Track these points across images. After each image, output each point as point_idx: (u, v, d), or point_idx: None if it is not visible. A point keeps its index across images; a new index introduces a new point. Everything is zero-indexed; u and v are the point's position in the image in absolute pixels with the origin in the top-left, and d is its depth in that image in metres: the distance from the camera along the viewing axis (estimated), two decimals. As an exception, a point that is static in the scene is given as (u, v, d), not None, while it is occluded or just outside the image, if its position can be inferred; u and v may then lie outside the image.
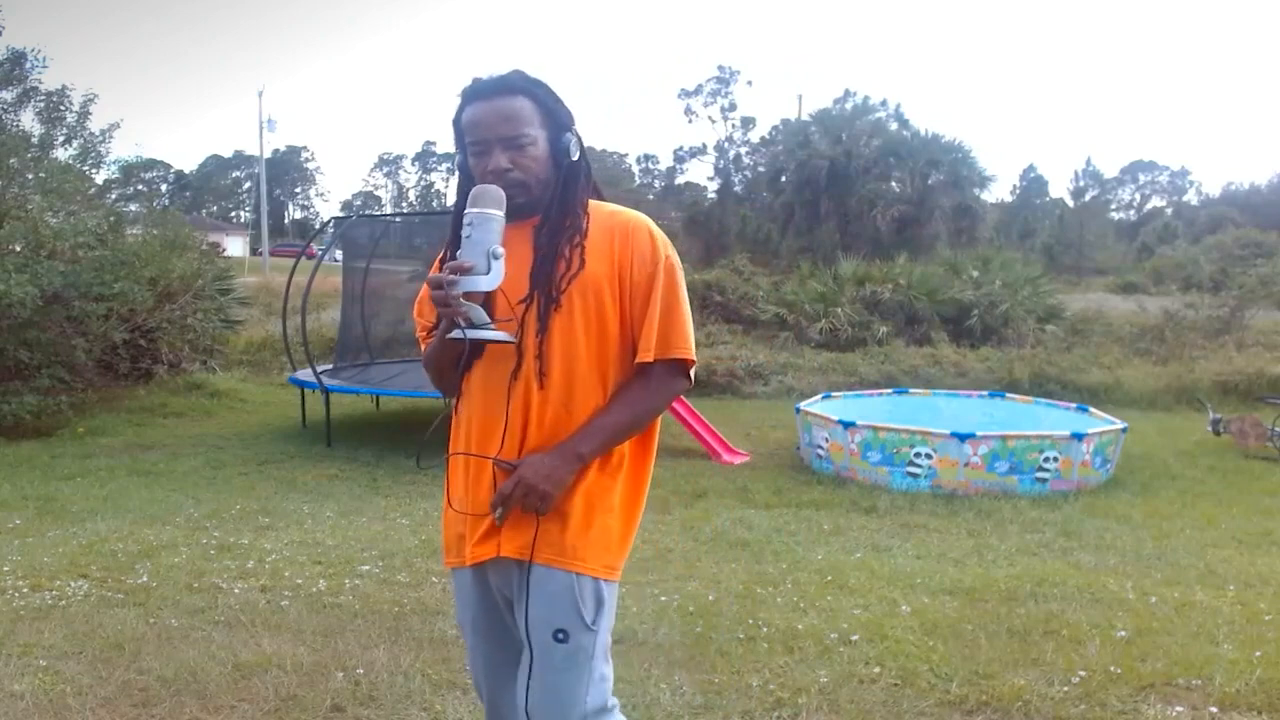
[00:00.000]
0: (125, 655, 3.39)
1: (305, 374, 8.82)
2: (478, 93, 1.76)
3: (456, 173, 1.86)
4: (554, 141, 1.77)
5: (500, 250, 1.67)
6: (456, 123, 1.80)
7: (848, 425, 7.01)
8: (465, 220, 1.68)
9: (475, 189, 1.70)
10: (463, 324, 1.67)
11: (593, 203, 1.83)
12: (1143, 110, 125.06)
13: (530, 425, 1.76)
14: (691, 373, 1.84)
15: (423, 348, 1.92)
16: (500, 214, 1.68)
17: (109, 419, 9.09)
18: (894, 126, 29.21)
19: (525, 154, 1.74)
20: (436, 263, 1.89)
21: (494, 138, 1.73)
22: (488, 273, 1.66)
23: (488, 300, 1.72)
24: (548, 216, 1.78)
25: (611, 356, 1.79)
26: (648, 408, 1.81)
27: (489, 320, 1.70)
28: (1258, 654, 3.46)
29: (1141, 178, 69.25)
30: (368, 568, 4.52)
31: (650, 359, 1.77)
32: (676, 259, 1.83)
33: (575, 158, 1.79)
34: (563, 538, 1.74)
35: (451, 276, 1.65)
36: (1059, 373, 11.68)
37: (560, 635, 1.73)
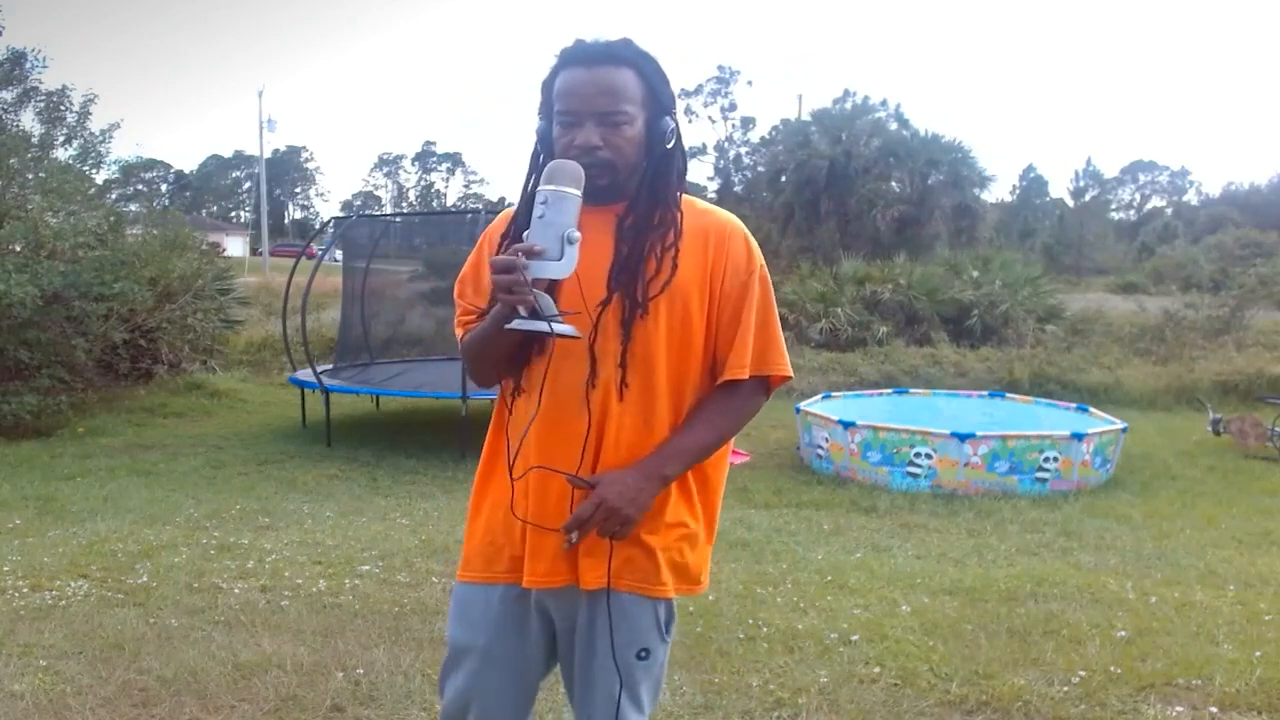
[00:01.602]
0: (125, 655, 3.39)
1: (305, 374, 8.82)
2: (580, 57, 1.59)
3: (536, 141, 1.67)
4: (651, 124, 1.61)
5: (576, 234, 1.48)
6: (547, 86, 1.62)
7: (848, 425, 7.01)
8: (539, 198, 1.50)
9: (552, 163, 1.52)
10: (524, 313, 1.50)
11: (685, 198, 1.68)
12: (1143, 110, 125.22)
13: (607, 439, 1.62)
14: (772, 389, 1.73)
15: (461, 331, 1.73)
16: (578, 194, 1.50)
17: (109, 419, 9.09)
18: (894, 126, 29.19)
19: (620, 133, 1.57)
20: (488, 240, 1.72)
21: (589, 110, 1.56)
22: (560, 259, 1.48)
23: (552, 288, 1.55)
24: (634, 207, 1.62)
25: (693, 370, 1.66)
26: (732, 426, 1.69)
27: (557, 312, 1.51)
28: (1258, 654, 3.46)
29: (1141, 178, 69.28)
30: (368, 568, 4.52)
31: (744, 375, 1.65)
32: (766, 269, 1.72)
33: (671, 145, 1.64)
34: (647, 564, 1.65)
35: (523, 259, 1.46)
36: (1059, 373, 11.69)
37: (643, 654, 1.69)
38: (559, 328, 1.50)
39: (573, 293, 1.58)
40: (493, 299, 1.58)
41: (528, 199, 1.62)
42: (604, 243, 1.60)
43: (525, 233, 1.53)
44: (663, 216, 1.63)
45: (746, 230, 1.71)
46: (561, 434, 1.62)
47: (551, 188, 1.49)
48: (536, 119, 1.66)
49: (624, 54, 1.59)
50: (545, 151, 1.64)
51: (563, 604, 1.69)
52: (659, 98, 1.62)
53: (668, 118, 1.63)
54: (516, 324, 1.51)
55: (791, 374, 1.72)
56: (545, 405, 1.63)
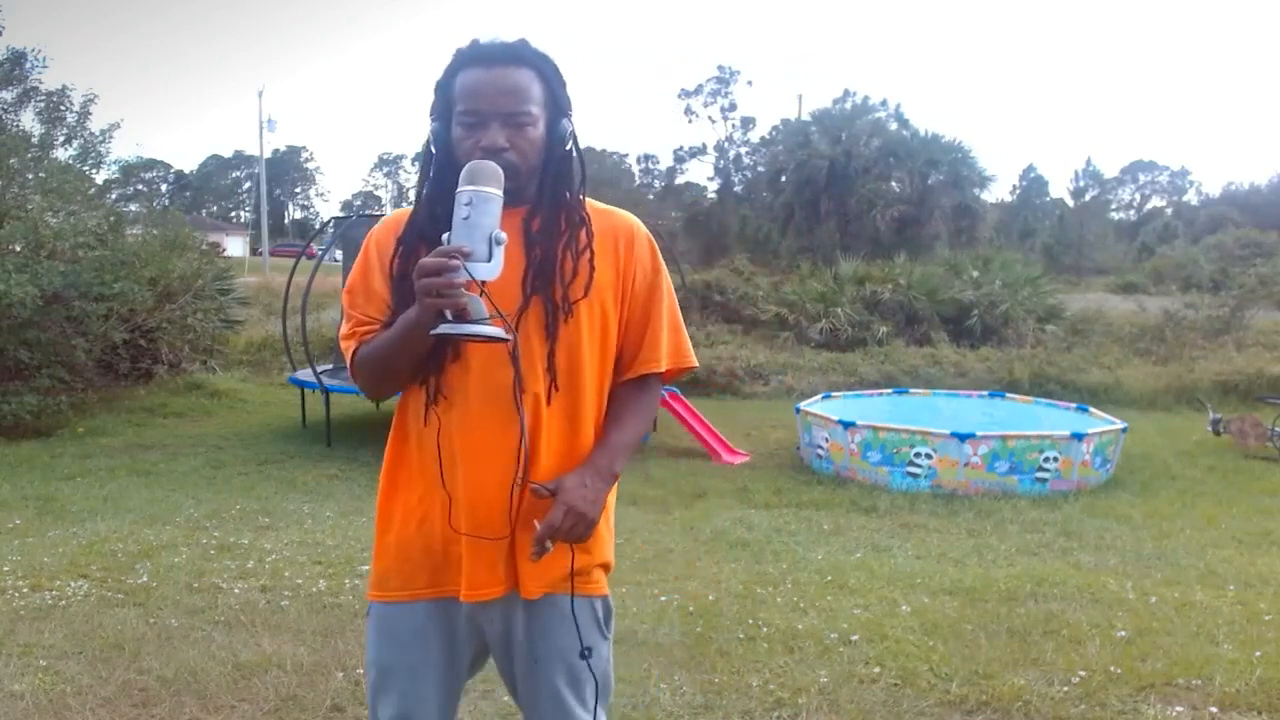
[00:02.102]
0: (125, 655, 3.39)
1: (305, 374, 8.82)
2: (481, 57, 1.57)
3: (428, 143, 1.62)
4: (551, 126, 1.59)
5: (503, 235, 1.47)
6: (444, 86, 1.59)
7: (848, 425, 7.01)
8: (461, 199, 1.46)
9: (473, 164, 1.48)
10: (450, 316, 1.45)
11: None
12: (1143, 110, 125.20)
13: (540, 444, 1.60)
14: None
15: (353, 343, 1.64)
16: (500, 195, 1.48)
17: (109, 419, 9.09)
18: (894, 126, 29.21)
19: (524, 134, 1.55)
20: (376, 247, 1.66)
21: (494, 111, 1.54)
22: (489, 260, 1.45)
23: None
24: (538, 210, 1.60)
25: (608, 367, 1.68)
26: (651, 418, 1.74)
27: (488, 315, 1.48)
28: (1258, 654, 3.46)
29: (1141, 178, 69.22)
30: (367, 568, 4.50)
31: (662, 369, 1.70)
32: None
33: (569, 148, 1.63)
34: (582, 563, 1.65)
35: (454, 261, 1.42)
36: (1059, 373, 11.69)
37: (586, 653, 1.68)
38: (490, 330, 1.46)
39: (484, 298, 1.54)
40: (399, 306, 1.57)
41: (430, 201, 1.61)
42: (512, 247, 1.55)
43: (445, 235, 1.48)
44: (570, 218, 1.63)
45: (645, 229, 1.74)
46: (492, 442, 1.59)
47: (474, 188, 1.46)
48: (431, 120, 1.63)
49: (525, 54, 1.58)
50: (440, 154, 1.61)
51: (496, 613, 1.67)
52: (558, 100, 1.61)
53: (566, 120, 1.61)
54: (445, 329, 1.46)
55: (697, 364, 1.78)
56: (474, 413, 1.59)
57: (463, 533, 1.61)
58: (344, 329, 1.67)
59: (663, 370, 1.71)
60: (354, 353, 1.64)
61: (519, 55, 1.57)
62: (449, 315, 1.46)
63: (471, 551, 1.61)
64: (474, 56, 1.58)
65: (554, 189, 1.62)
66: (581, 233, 1.63)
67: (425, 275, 1.43)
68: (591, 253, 1.62)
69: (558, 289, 1.59)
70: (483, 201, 1.46)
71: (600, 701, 1.72)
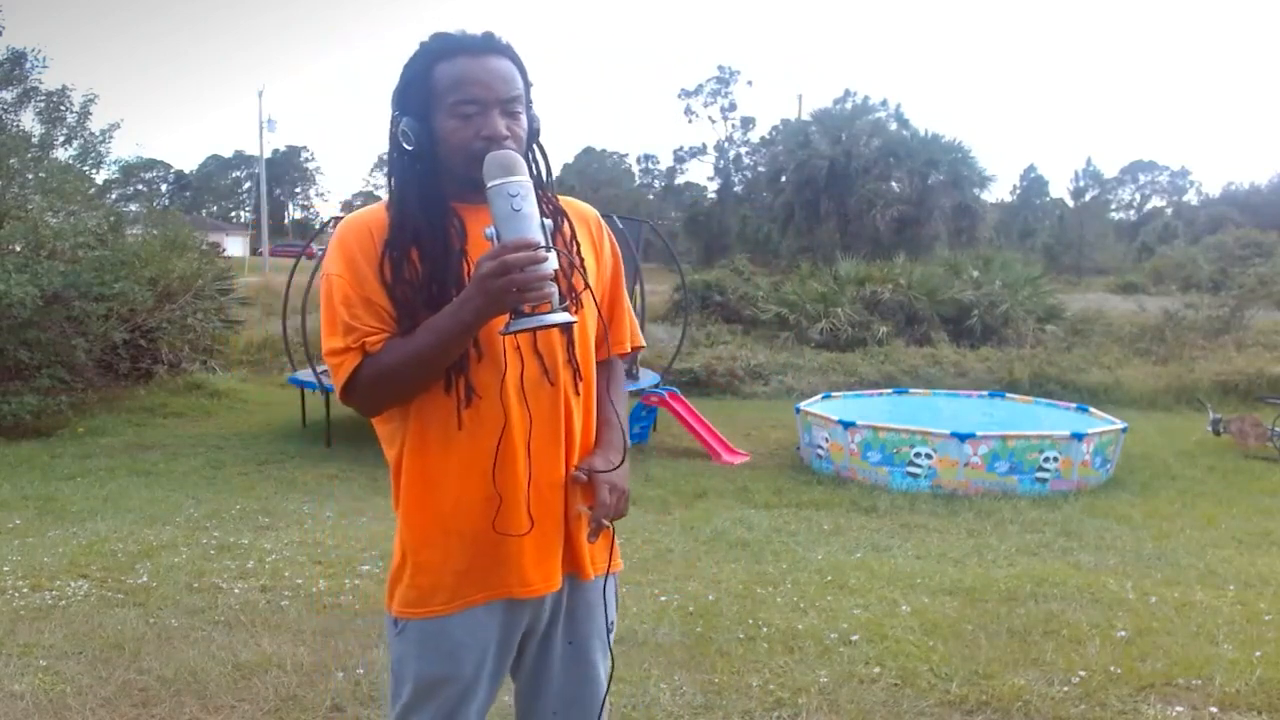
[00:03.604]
0: (125, 655, 3.39)
1: (305, 374, 8.82)
2: (464, 47, 1.52)
3: (405, 139, 1.53)
4: (528, 120, 1.58)
5: (550, 223, 1.44)
6: (420, 80, 1.52)
7: (848, 425, 7.01)
8: (508, 190, 1.41)
9: (501, 154, 1.43)
10: (527, 310, 1.41)
11: None
12: (1143, 110, 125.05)
13: (573, 433, 1.62)
14: None
15: (354, 358, 1.52)
16: (532, 184, 1.46)
17: (109, 419, 9.09)
18: (894, 126, 29.25)
19: (519, 122, 1.53)
20: (362, 254, 1.54)
21: (493, 98, 1.50)
22: (549, 248, 1.42)
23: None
24: None
25: (594, 350, 1.70)
26: (626, 396, 1.81)
27: (560, 303, 1.44)
28: (1258, 654, 3.46)
29: (1141, 178, 69.20)
30: (368, 568, 4.52)
31: (628, 349, 1.77)
32: None
33: (539, 141, 1.62)
34: (608, 539, 1.71)
35: (541, 253, 1.37)
36: (1059, 373, 11.70)
37: (610, 626, 1.75)
38: (566, 316, 1.44)
39: None
40: (403, 312, 1.51)
41: (421, 201, 1.54)
42: None
43: (490, 230, 1.42)
44: (552, 209, 1.60)
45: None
46: (545, 436, 1.58)
47: (516, 179, 1.42)
48: (395, 116, 1.55)
49: (503, 45, 1.55)
50: (420, 150, 1.53)
51: (547, 604, 1.67)
52: (528, 91, 1.58)
53: (533, 111, 1.60)
54: (523, 323, 1.41)
55: (644, 344, 1.84)
56: (512, 409, 1.54)
57: (512, 533, 1.56)
58: (337, 343, 1.53)
59: (627, 351, 1.77)
60: (357, 368, 1.52)
61: (497, 44, 1.55)
62: (526, 309, 1.41)
63: (529, 547, 1.58)
64: (454, 47, 1.52)
65: (535, 179, 1.58)
66: (565, 224, 1.63)
67: (508, 271, 1.36)
68: (579, 244, 1.64)
69: (561, 281, 1.55)
70: (528, 191, 1.43)
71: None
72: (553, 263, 1.41)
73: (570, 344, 1.59)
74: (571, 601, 1.69)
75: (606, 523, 1.61)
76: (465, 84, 1.50)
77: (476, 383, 1.54)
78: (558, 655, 1.70)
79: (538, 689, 1.73)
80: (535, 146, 1.62)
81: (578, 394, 1.62)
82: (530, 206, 1.42)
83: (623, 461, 1.65)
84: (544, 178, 1.63)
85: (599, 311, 1.67)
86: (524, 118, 1.55)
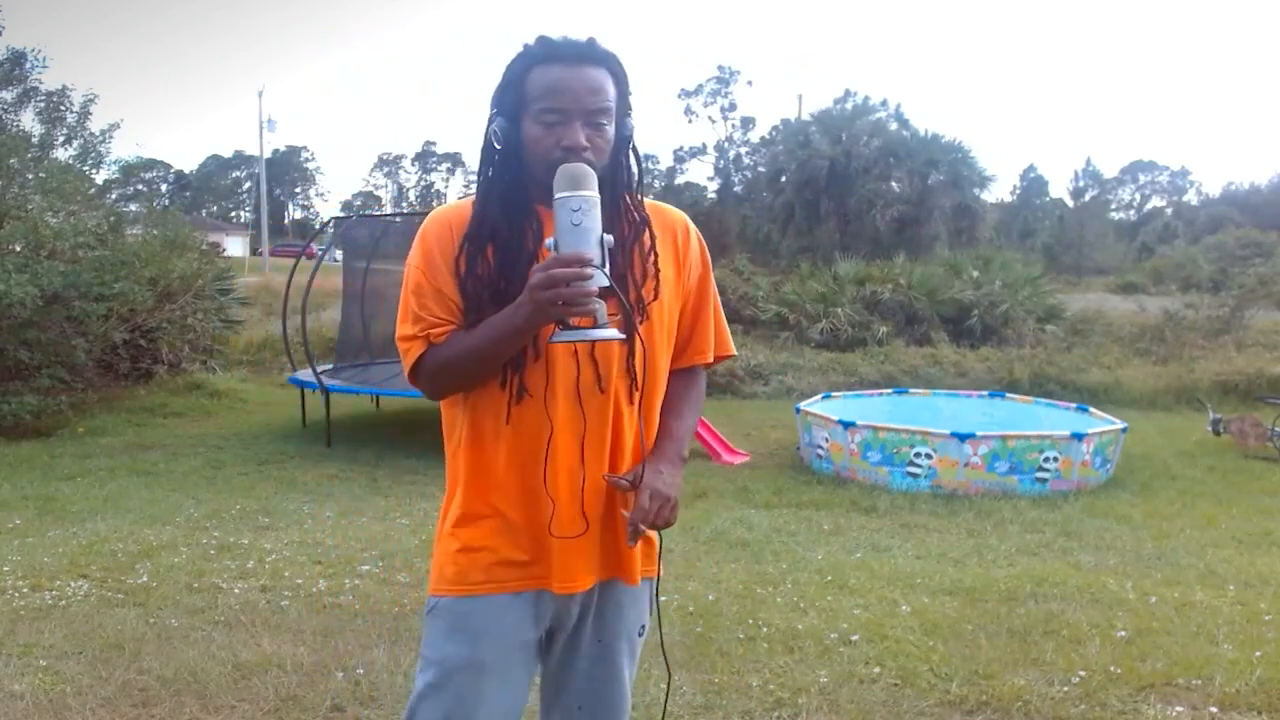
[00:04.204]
0: (125, 655, 3.39)
1: (305, 374, 8.82)
2: (561, 54, 1.54)
3: (495, 139, 1.58)
4: (619, 125, 1.59)
5: (610, 239, 1.47)
6: (516, 83, 1.55)
7: (848, 425, 7.01)
8: (570, 204, 1.44)
9: (570, 168, 1.46)
10: (573, 323, 1.46)
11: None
12: (1143, 110, 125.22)
13: (625, 442, 1.64)
14: None
15: (422, 346, 1.60)
16: (599, 197, 1.47)
17: (109, 419, 9.09)
18: (894, 126, 29.19)
19: (603, 134, 1.54)
20: (439, 247, 1.61)
21: (578, 109, 1.51)
22: (603, 265, 1.44)
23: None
24: (604, 212, 1.54)
25: (668, 363, 1.71)
26: (701, 405, 1.81)
27: (606, 319, 1.48)
28: (1258, 654, 3.46)
29: (1141, 178, 69.26)
30: (368, 568, 4.52)
31: (709, 360, 1.76)
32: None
33: (631, 146, 1.63)
34: (651, 545, 1.74)
35: (588, 270, 1.41)
36: (1059, 373, 11.68)
37: (641, 630, 1.78)
38: (611, 333, 1.48)
39: None
40: (470, 306, 1.57)
41: (502, 201, 1.59)
42: None
43: (550, 240, 1.46)
44: (632, 219, 1.64)
45: (692, 223, 1.77)
46: (580, 438, 1.61)
47: (581, 193, 1.45)
48: (492, 114, 1.59)
49: (600, 53, 1.57)
50: (507, 151, 1.58)
51: (578, 602, 1.69)
52: (625, 98, 1.60)
53: (629, 119, 1.61)
54: (566, 336, 1.47)
55: (735, 352, 1.84)
56: (561, 411, 1.59)
57: (556, 534, 1.60)
58: (407, 330, 1.61)
59: (710, 361, 1.77)
60: (421, 356, 1.60)
61: (595, 53, 1.56)
62: (572, 322, 1.46)
63: (569, 545, 1.62)
64: (551, 53, 1.55)
65: (615, 188, 1.61)
66: (646, 234, 1.65)
67: (554, 285, 1.41)
68: (657, 254, 1.65)
69: (631, 291, 1.60)
70: (591, 207, 1.45)
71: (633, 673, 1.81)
72: (600, 279, 1.43)
73: (630, 354, 1.61)
74: (603, 601, 1.71)
75: (644, 528, 1.60)
76: (553, 92, 1.53)
77: (528, 382, 1.58)
78: (584, 653, 1.73)
79: (561, 684, 1.75)
80: (628, 153, 1.63)
81: (631, 403, 1.63)
82: (591, 221, 1.45)
83: (672, 471, 1.65)
84: (632, 185, 1.65)
85: (679, 320, 1.71)
86: (609, 129, 1.56)
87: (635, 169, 1.65)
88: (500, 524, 1.64)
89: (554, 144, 1.51)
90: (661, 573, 1.78)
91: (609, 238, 1.47)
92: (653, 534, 1.71)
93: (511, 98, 1.56)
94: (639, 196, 1.66)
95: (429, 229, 1.64)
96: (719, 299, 1.79)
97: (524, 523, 1.63)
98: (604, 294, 1.46)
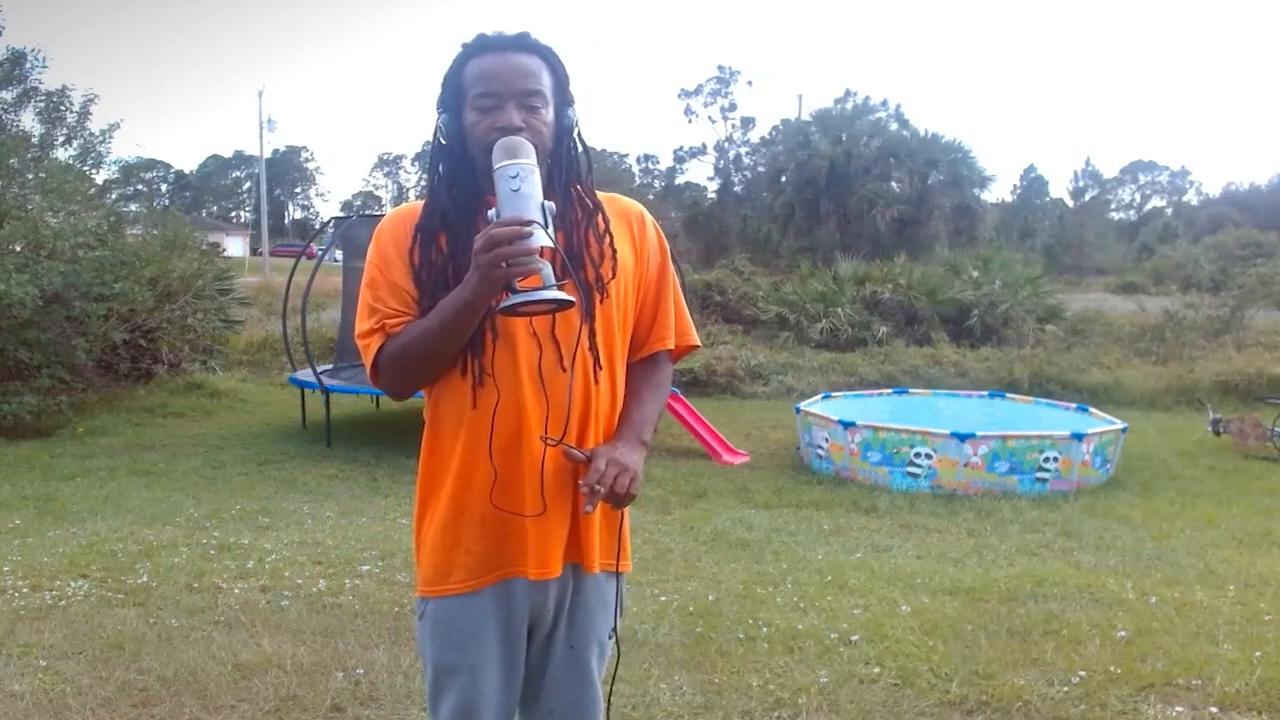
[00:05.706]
0: (125, 655, 3.39)
1: (305, 374, 8.82)
2: (492, 44, 1.60)
3: (440, 134, 1.63)
4: (559, 114, 1.62)
5: (552, 205, 1.48)
6: (454, 78, 1.61)
7: (848, 425, 7.01)
8: (508, 172, 1.46)
9: (507, 140, 1.49)
10: (517, 285, 1.44)
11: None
12: (1143, 110, 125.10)
13: (591, 423, 1.64)
14: None
15: (380, 339, 1.63)
16: (538, 168, 1.49)
17: (109, 419, 9.09)
18: (894, 126, 29.22)
19: (538, 116, 1.57)
20: (392, 241, 1.64)
21: (509, 92, 1.56)
22: (547, 227, 1.44)
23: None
24: (551, 196, 1.57)
25: (627, 345, 1.72)
26: (666, 394, 1.81)
27: (555, 281, 1.46)
28: (1258, 654, 3.46)
29: (1141, 178, 69.16)
30: (368, 568, 4.52)
31: (670, 346, 1.77)
32: None
33: (576, 135, 1.67)
34: (612, 537, 1.71)
35: (525, 229, 1.41)
36: (1059, 373, 11.69)
37: (612, 632, 1.76)
38: (561, 294, 1.45)
39: None
40: (425, 295, 1.58)
41: (449, 190, 1.62)
42: None
43: (491, 211, 1.47)
44: (584, 203, 1.66)
45: (648, 212, 1.79)
46: (557, 421, 1.61)
47: (517, 161, 1.47)
48: (438, 114, 1.64)
49: (532, 43, 1.61)
50: (452, 144, 1.62)
51: (552, 594, 1.68)
52: (563, 89, 1.64)
53: (570, 110, 1.64)
54: (515, 300, 1.44)
55: (700, 343, 1.83)
56: (525, 391, 1.59)
57: (518, 513, 1.61)
58: (365, 325, 1.64)
59: (671, 348, 1.77)
60: (380, 349, 1.62)
61: (527, 43, 1.61)
62: (516, 285, 1.44)
63: (537, 528, 1.63)
64: (484, 45, 1.61)
65: (566, 175, 1.65)
66: (599, 217, 1.67)
67: (495, 246, 1.41)
68: (611, 235, 1.67)
69: (589, 270, 1.62)
70: (529, 173, 1.47)
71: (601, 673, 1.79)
72: (541, 238, 1.42)
73: (592, 332, 1.62)
74: (574, 603, 1.71)
75: (599, 489, 1.55)
76: (486, 78, 1.57)
77: (488, 365, 1.59)
78: (558, 658, 1.73)
79: (537, 688, 1.75)
80: (573, 143, 1.66)
81: (596, 382, 1.63)
82: (530, 187, 1.46)
83: (627, 450, 1.62)
84: (582, 175, 1.68)
85: (634, 307, 1.71)
86: (545, 112, 1.58)
87: (584, 160, 1.69)
88: (466, 518, 1.66)
89: (489, 127, 1.55)
90: (629, 568, 1.76)
91: (550, 204, 1.47)
92: (617, 522, 1.69)
93: (451, 92, 1.62)
94: (590, 186, 1.69)
95: (384, 226, 1.68)
96: (679, 289, 1.80)
97: (489, 509, 1.63)
98: (555, 265, 1.48)
